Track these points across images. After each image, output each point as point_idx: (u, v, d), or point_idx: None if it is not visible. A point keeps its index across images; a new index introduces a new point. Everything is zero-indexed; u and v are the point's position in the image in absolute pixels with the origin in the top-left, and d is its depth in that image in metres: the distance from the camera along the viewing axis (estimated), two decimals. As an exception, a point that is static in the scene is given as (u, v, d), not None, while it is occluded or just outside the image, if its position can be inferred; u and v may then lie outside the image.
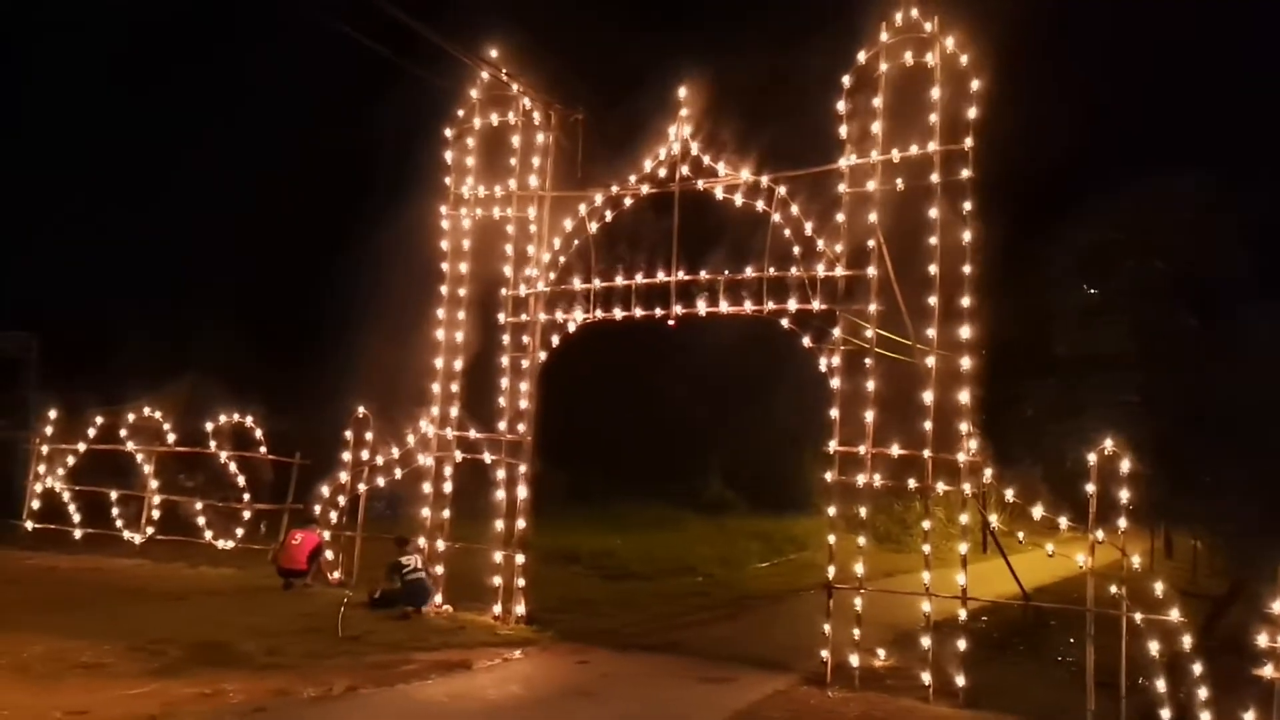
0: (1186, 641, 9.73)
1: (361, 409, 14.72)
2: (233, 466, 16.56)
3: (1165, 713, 9.62)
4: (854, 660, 10.99)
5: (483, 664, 11.30)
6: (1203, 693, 9.55)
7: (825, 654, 11.09)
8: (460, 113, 14.20)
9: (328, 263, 24.76)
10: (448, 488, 13.98)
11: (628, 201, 13.01)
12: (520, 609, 13.38)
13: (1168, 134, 24.94)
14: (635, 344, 18.30)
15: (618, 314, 12.85)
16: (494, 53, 13.79)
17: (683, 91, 12.63)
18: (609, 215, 13.14)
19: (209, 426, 16.64)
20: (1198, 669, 9.63)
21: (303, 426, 18.83)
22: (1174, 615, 9.79)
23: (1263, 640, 9.67)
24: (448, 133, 14.24)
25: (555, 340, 13.43)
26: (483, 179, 14.09)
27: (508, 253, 13.78)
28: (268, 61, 25.77)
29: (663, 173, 12.72)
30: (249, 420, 16.66)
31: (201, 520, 16.52)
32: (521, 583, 13.43)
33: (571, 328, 13.29)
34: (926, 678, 10.57)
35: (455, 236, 14.18)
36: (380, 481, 14.64)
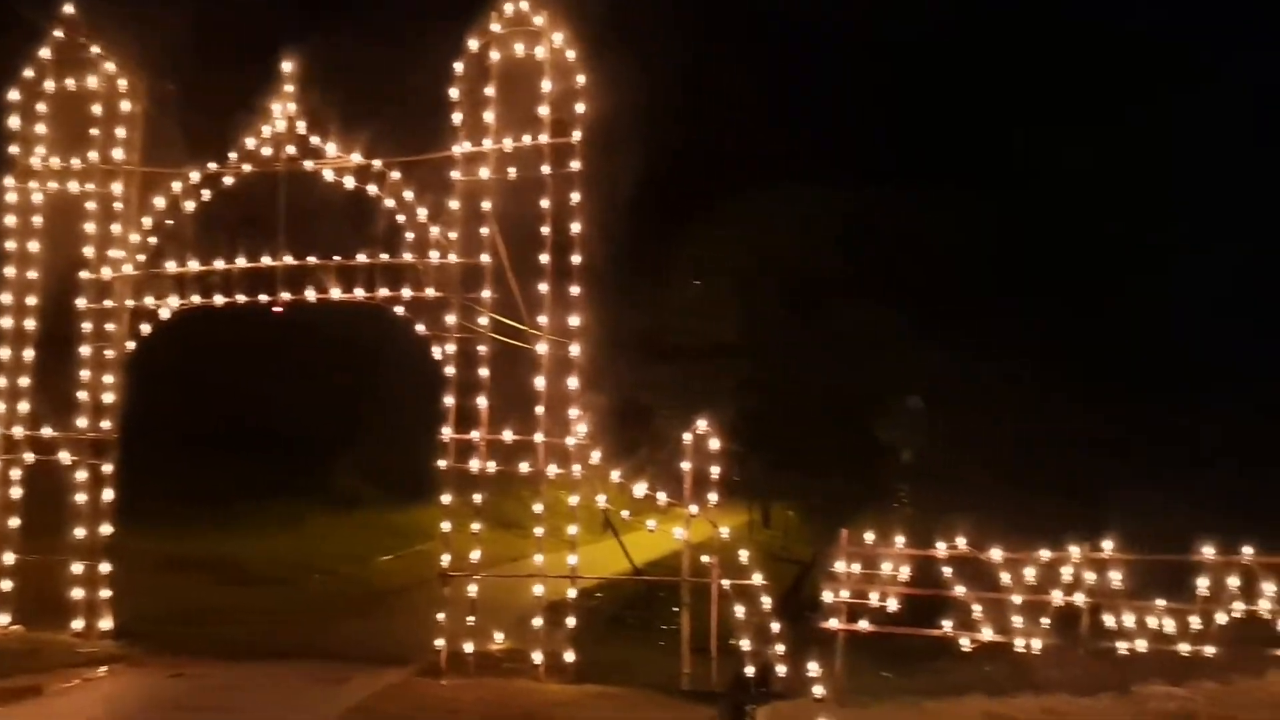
0: (767, 603, 10.66)
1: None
2: None
3: (749, 670, 10.50)
4: (469, 647, 11.03)
5: (57, 687, 10.16)
6: (780, 648, 10.48)
7: (440, 643, 11.04)
8: (30, 74, 12.56)
9: None
10: (16, 493, 12.38)
11: (228, 180, 12.17)
12: (106, 623, 12.16)
13: (774, 142, 27.10)
14: (252, 333, 17.24)
15: (218, 300, 11.98)
16: (69, 8, 12.38)
17: (287, 66, 11.97)
18: (206, 195, 12.22)
19: None
20: (776, 628, 10.58)
21: None
22: (757, 580, 10.68)
23: (828, 596, 10.84)
24: (14, 96, 12.55)
25: (146, 329, 12.29)
26: (58, 150, 12.57)
27: (89, 232, 12.42)
28: None
29: (267, 151, 12.02)
30: None
31: None
32: (107, 594, 12.20)
33: (165, 314, 12.23)
34: (538, 657, 10.82)
35: (24, 213, 12.54)
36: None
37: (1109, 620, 10.40)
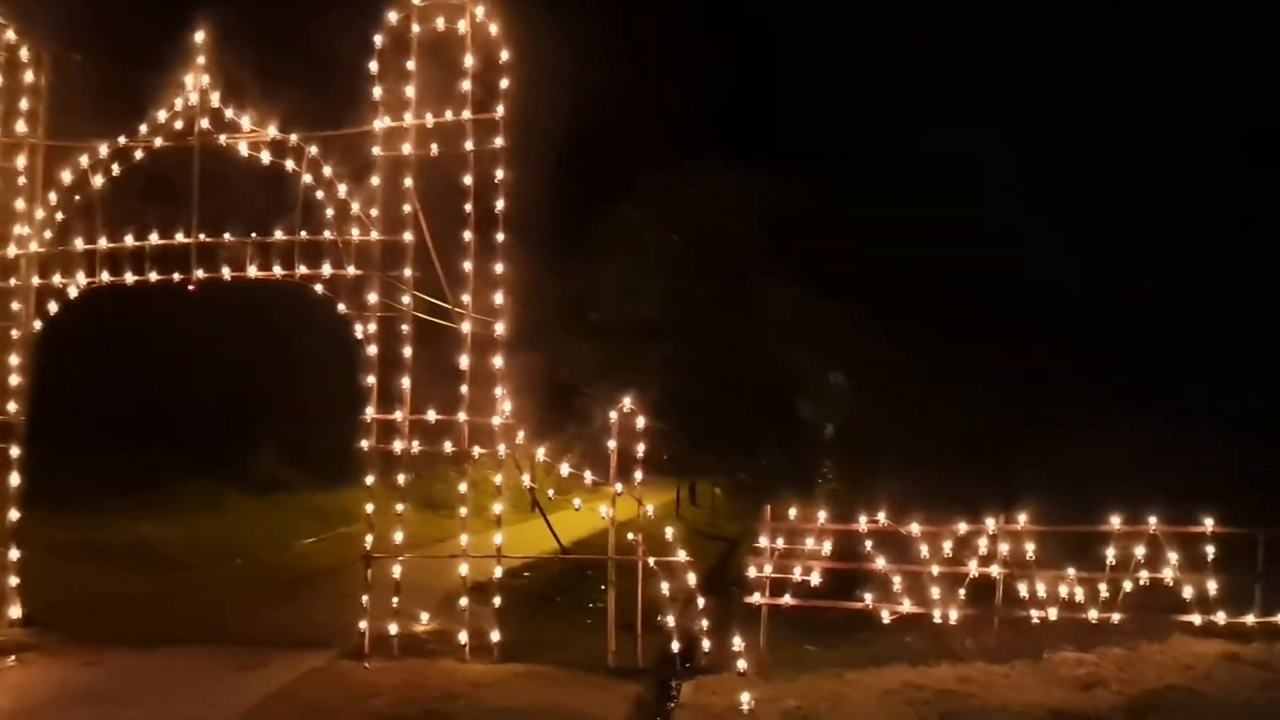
0: (692, 580, 10.74)
1: None
2: None
3: (675, 646, 10.57)
4: (393, 629, 10.93)
5: (-36, 678, 9.86)
6: (705, 624, 10.58)
7: (363, 626, 10.93)
8: (-77, 43, 11.99)
9: None
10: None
11: (138, 154, 11.79)
12: (16, 611, 11.81)
13: (696, 122, 27.11)
14: (166, 313, 16.81)
15: (129, 278, 11.63)
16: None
17: (199, 37, 11.60)
18: (116, 169, 11.82)
19: None
20: (701, 603, 10.67)
21: None
22: (681, 556, 10.75)
23: (752, 572, 10.98)
24: (-94, 65, 11.99)
25: (53, 308, 11.88)
26: (-44, 121, 12.06)
27: (-9, 207, 11.96)
28: None
29: (179, 124, 11.66)
30: None
31: None
32: (16, 581, 11.84)
33: (73, 293, 11.83)
34: (463, 638, 10.77)
35: (-79, 187, 12.02)
36: None
37: (1022, 589, 10.73)
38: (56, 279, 11.84)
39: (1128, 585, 10.58)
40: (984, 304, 23.43)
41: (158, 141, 11.70)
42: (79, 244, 11.77)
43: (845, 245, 21.41)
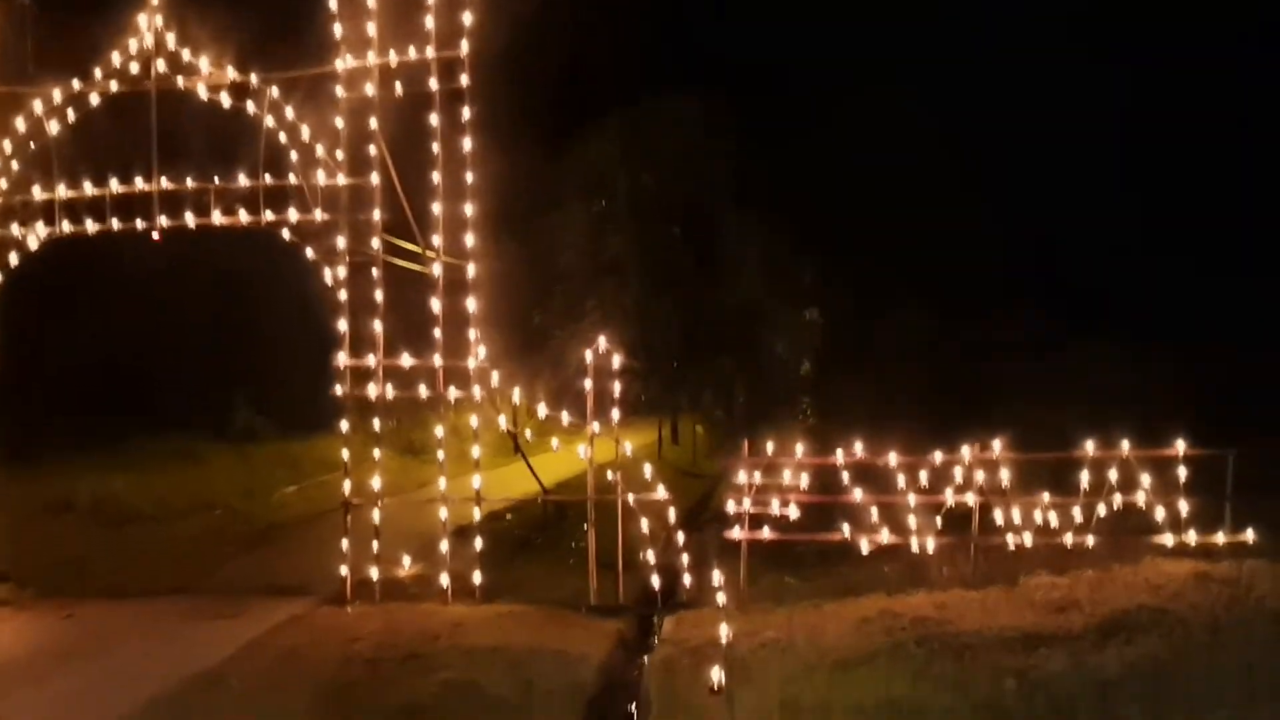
0: (672, 517, 10.77)
1: None
2: None
3: (655, 582, 10.63)
4: (374, 574, 10.93)
5: (-59, 635, 9.79)
6: (685, 560, 10.63)
7: (344, 571, 10.92)
8: None
9: None
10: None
11: (95, 100, 11.47)
12: (-9, 567, 11.72)
13: (660, 58, 26.76)
14: (135, 262, 16.55)
15: (91, 227, 11.37)
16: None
17: (152, -25, 11.26)
18: (72, 115, 11.50)
19: None
20: (681, 540, 10.71)
21: None
22: (661, 493, 10.76)
23: (731, 507, 11.01)
24: None
25: (14, 259, 11.61)
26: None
27: (-57, 158, 11.61)
28: None
29: (136, 68, 11.34)
30: None
31: None
32: (-9, 538, 11.75)
33: (33, 244, 11.56)
34: (445, 580, 10.79)
35: None
36: None
37: (998, 517, 10.83)
38: (15, 229, 11.56)
39: (1101, 509, 10.69)
40: (954, 237, 23.52)
41: (113, 86, 11.38)
42: (37, 192, 11.48)
43: (814, 183, 21.32)
